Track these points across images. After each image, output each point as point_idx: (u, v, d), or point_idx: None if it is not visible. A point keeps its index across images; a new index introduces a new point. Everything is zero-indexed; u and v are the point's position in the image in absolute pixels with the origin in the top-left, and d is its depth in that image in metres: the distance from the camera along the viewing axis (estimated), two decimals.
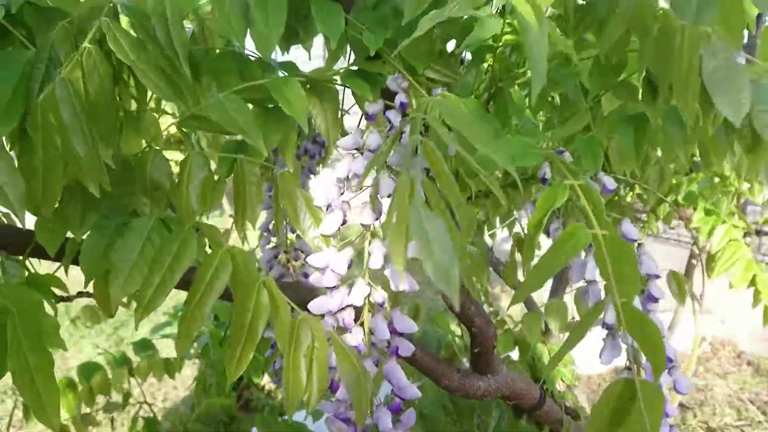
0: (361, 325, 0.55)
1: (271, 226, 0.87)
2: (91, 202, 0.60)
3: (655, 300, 0.58)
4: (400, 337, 0.58)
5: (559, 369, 1.23)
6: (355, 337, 0.55)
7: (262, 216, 0.83)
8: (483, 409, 1.25)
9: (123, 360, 1.23)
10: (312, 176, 0.94)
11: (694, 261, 1.73)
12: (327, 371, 0.50)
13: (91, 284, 0.60)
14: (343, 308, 0.54)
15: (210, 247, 0.54)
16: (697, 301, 1.74)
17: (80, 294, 0.70)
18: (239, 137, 0.68)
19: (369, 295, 0.55)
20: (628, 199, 1.48)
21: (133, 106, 0.62)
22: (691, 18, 0.45)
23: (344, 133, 0.75)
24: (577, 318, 1.16)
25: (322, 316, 0.55)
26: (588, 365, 2.85)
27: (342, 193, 0.57)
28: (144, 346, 1.27)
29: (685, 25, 0.44)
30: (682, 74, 0.44)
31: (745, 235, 1.53)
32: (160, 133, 0.62)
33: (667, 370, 0.58)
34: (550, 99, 0.70)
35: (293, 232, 0.86)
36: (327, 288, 0.55)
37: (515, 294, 0.51)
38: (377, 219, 0.52)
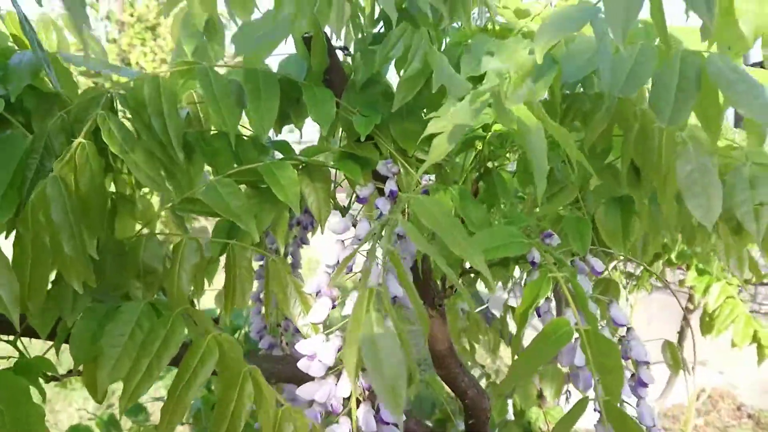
0: (348, 414, 0.55)
1: (261, 296, 0.87)
2: (83, 286, 0.61)
3: (646, 385, 0.58)
4: (387, 425, 0.57)
5: None
6: (342, 428, 0.54)
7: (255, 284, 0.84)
8: None
9: (112, 423, 1.21)
10: (303, 246, 0.94)
11: (689, 317, 1.73)
12: None
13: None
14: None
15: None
16: (683, 362, 1.73)
17: (70, 373, 0.70)
18: None
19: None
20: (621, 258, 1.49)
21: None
22: (667, 118, 0.47)
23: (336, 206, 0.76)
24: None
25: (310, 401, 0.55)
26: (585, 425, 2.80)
27: (330, 280, 0.58)
28: (136, 410, 1.26)
29: (663, 129, 0.45)
30: (661, 174, 0.45)
31: (739, 289, 1.53)
32: (155, 216, 0.63)
33: None
34: None
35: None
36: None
37: (502, 383, 0.51)
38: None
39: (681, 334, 1.73)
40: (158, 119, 0.56)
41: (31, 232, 0.45)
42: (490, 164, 0.65)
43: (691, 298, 1.68)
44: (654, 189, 0.61)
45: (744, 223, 0.53)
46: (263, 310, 0.88)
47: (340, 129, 0.74)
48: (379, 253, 0.52)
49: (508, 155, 0.65)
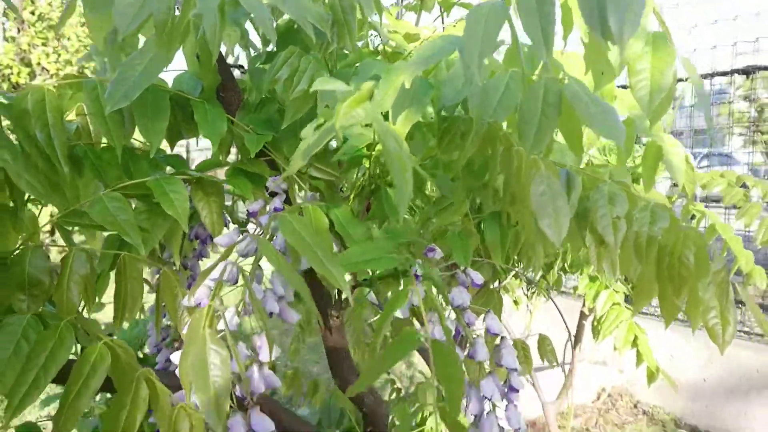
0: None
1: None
2: None
3: (516, 390, 0.62)
4: None
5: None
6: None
7: (150, 298, 0.83)
8: None
9: None
10: (203, 259, 0.94)
11: (583, 321, 1.84)
12: None
13: None
14: None
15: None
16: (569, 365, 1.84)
17: None
18: None
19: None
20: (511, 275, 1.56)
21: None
22: (531, 140, 0.51)
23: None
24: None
25: None
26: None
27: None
28: (28, 430, 1.20)
29: (521, 151, 0.50)
30: (522, 192, 0.50)
31: (627, 299, 1.64)
32: (38, 229, 0.62)
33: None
34: (426, 192, 0.76)
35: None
36: None
37: (357, 383, 0.54)
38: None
39: (578, 336, 1.83)
40: (42, 131, 0.56)
41: None
42: (379, 181, 0.68)
43: (584, 305, 1.79)
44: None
45: (605, 235, 0.58)
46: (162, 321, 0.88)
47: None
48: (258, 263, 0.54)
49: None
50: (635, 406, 3.23)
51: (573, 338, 1.78)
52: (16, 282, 0.59)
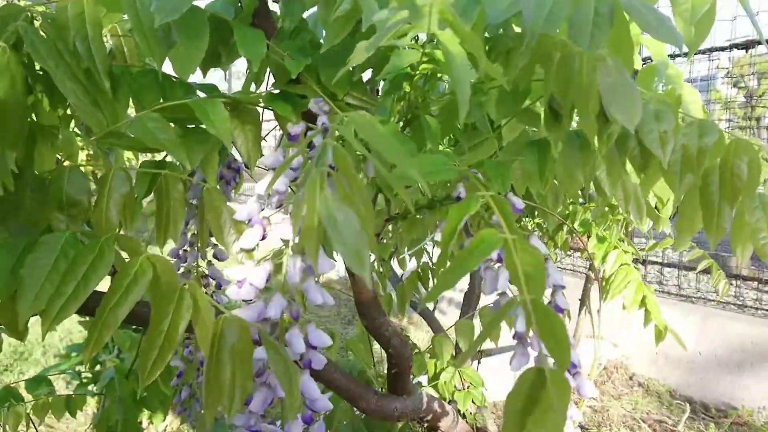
0: (276, 339, 0.56)
1: (181, 252, 0.85)
2: None
3: (561, 311, 0.62)
4: (313, 350, 0.59)
5: (469, 391, 1.27)
6: (259, 354, 0.55)
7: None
8: None
9: (14, 397, 1.14)
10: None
11: (589, 285, 1.84)
12: (251, 373, 0.50)
13: None
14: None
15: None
16: (593, 324, 1.85)
17: None
18: (157, 158, 0.68)
19: (285, 309, 0.56)
20: (529, 226, 1.56)
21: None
22: (586, 45, 0.51)
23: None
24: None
25: None
26: (496, 392, 2.93)
27: (262, 209, 0.58)
28: (39, 382, 1.19)
29: (582, 51, 0.49)
30: (582, 93, 0.49)
31: (635, 261, 1.65)
32: (76, 150, 0.60)
33: (571, 375, 0.62)
34: (458, 127, 0.75)
35: (203, 259, 0.85)
36: (244, 302, 0.56)
37: (428, 293, 0.53)
38: (297, 235, 0.54)
39: (583, 300, 1.85)
40: (83, 43, 0.54)
41: None
42: (417, 111, 0.67)
43: (591, 267, 1.80)
44: (568, 133, 0.66)
45: (652, 149, 0.58)
46: (182, 267, 0.87)
47: (266, 79, 0.75)
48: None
49: (433, 100, 0.68)
50: (630, 379, 3.27)
51: (579, 301, 1.79)
52: (55, 202, 0.58)
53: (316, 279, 0.56)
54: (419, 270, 1.52)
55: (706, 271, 1.67)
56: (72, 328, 3.94)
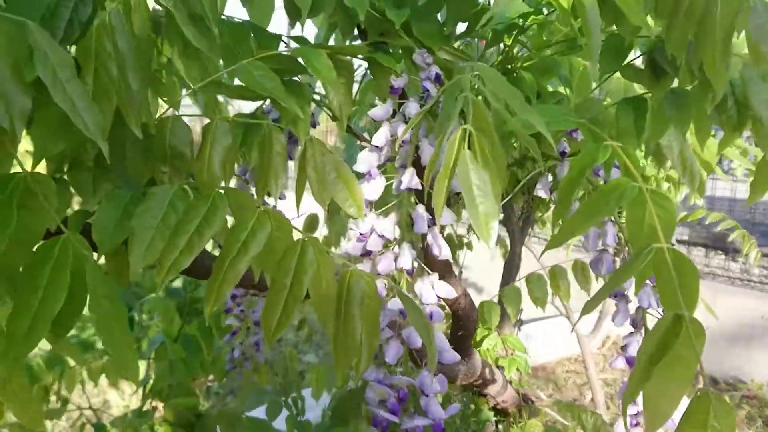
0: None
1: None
2: (104, 169, 0.57)
3: None
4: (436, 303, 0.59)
5: (514, 357, 1.28)
6: (395, 304, 0.55)
7: None
8: (443, 398, 1.27)
9: (57, 361, 1.14)
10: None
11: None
12: (378, 328, 0.50)
13: None
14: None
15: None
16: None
17: None
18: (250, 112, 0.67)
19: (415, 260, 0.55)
20: None
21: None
22: None
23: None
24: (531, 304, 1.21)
25: None
26: (539, 355, 2.97)
27: (380, 161, 0.57)
28: (86, 347, 1.19)
29: None
30: (717, 39, 0.48)
31: None
32: (179, 97, 0.59)
33: None
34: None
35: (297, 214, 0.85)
36: (367, 253, 0.55)
37: (552, 239, 0.53)
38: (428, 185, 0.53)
39: None
40: None
41: (94, 62, 0.41)
42: (515, 64, 0.66)
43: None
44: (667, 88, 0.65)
45: (758, 110, 0.58)
46: None
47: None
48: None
49: (533, 54, 0.67)
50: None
51: None
52: (159, 153, 0.57)
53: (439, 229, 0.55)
54: None
55: (715, 247, 1.68)
56: None
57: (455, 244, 1.83)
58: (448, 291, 0.56)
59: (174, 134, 0.57)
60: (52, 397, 1.09)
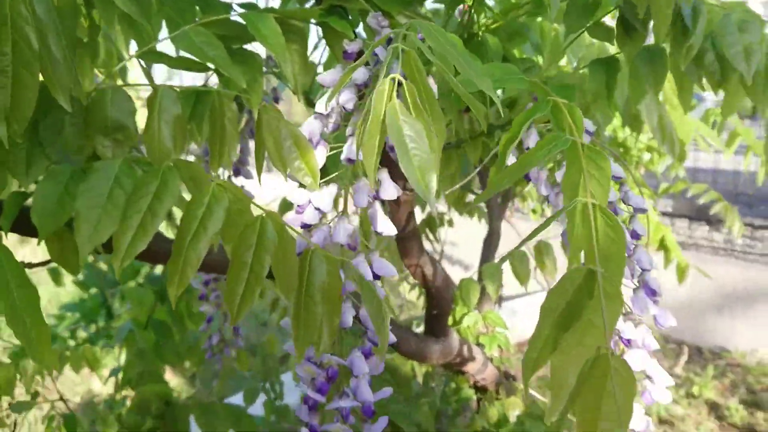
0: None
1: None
2: (38, 146, 0.53)
3: (638, 236, 0.59)
4: (377, 280, 0.56)
5: (495, 335, 1.26)
6: (348, 286, 0.52)
7: None
8: (424, 378, 1.25)
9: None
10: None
11: None
12: (340, 309, 0.47)
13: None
14: None
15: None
16: None
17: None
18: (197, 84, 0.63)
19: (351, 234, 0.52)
20: None
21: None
22: None
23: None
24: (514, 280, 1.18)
25: None
26: (524, 330, 2.97)
27: (324, 129, 0.54)
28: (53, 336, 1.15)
29: None
30: None
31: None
32: (115, 65, 0.55)
33: (651, 301, 0.59)
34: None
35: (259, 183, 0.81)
36: (305, 226, 0.52)
37: (483, 192, 0.50)
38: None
39: None
40: None
41: (11, 30, 0.37)
42: (476, 28, 0.62)
43: None
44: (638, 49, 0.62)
45: (735, 63, 0.54)
46: None
47: None
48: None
49: (496, 16, 0.63)
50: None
51: None
52: (99, 126, 0.53)
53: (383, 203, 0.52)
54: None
55: (699, 218, 1.67)
56: (59, 291, 3.88)
57: (435, 222, 1.81)
58: (387, 269, 0.53)
59: (114, 105, 0.53)
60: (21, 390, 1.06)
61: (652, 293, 0.58)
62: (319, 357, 0.48)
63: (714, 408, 2.47)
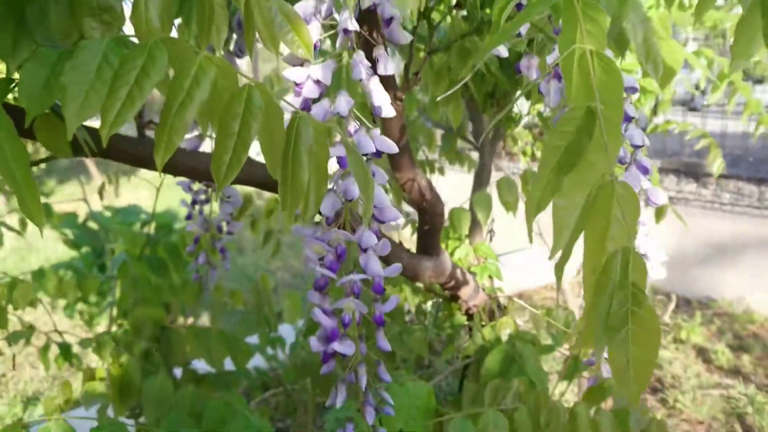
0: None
1: None
2: (24, 29, 0.52)
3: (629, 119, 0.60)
4: (378, 157, 0.56)
5: (486, 265, 1.27)
6: (337, 151, 0.52)
7: None
8: (416, 308, 1.27)
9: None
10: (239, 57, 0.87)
11: None
12: (326, 174, 0.47)
13: None
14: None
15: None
16: None
17: None
18: None
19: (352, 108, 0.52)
20: None
21: None
22: None
23: None
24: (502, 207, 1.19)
25: None
26: (517, 282, 3.00)
27: (317, 7, 0.54)
28: (43, 274, 1.15)
29: None
30: None
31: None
32: None
33: (643, 176, 0.60)
34: None
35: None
36: (305, 103, 0.52)
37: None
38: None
39: None
40: None
41: None
42: None
43: None
44: None
45: None
46: None
47: None
48: None
49: None
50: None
51: None
52: (86, 7, 0.52)
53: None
54: None
55: (687, 173, 1.67)
56: (52, 255, 3.87)
57: (425, 168, 1.81)
58: (389, 146, 0.53)
59: None
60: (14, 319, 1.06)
61: (644, 171, 0.59)
62: (306, 222, 0.49)
63: (701, 352, 2.52)
